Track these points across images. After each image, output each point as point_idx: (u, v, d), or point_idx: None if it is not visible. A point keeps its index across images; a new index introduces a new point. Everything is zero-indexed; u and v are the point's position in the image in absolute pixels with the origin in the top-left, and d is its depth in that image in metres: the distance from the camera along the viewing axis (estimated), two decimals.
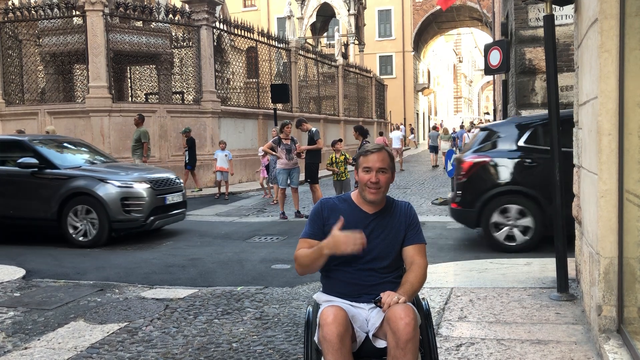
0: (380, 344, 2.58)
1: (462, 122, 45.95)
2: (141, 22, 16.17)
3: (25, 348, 4.17)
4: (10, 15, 15.50)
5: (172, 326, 4.59)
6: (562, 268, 4.77)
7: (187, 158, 14.45)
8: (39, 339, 4.34)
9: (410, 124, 43.37)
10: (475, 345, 3.78)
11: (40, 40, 16.08)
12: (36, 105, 15.46)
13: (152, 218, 8.59)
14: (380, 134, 23.99)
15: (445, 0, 13.67)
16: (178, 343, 4.20)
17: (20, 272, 6.54)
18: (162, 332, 4.44)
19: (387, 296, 2.53)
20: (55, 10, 15.26)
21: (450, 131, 27.62)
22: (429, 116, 54.07)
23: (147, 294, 5.56)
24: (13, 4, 15.71)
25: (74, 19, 15.60)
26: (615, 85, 3.28)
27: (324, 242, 2.62)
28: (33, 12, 15.44)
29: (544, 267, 5.77)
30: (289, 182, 10.67)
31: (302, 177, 11.24)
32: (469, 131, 25.84)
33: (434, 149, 23.82)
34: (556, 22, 5.66)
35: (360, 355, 2.61)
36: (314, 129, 11.01)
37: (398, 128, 30.18)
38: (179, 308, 5.07)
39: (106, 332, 4.46)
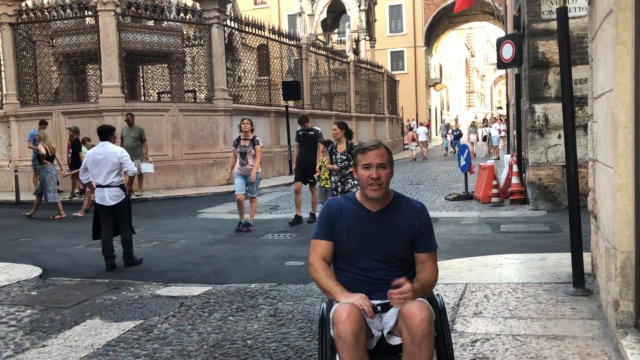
0: (395, 341, 2.58)
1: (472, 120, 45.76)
2: (153, 21, 16.24)
3: (43, 346, 4.22)
4: (24, 16, 15.63)
5: (187, 323, 4.62)
6: (577, 263, 4.73)
7: (70, 160, 13.09)
8: (56, 337, 4.39)
9: (409, 119, 39.80)
10: (490, 341, 3.76)
11: (54, 40, 16.21)
12: (50, 105, 15.59)
13: None
14: (410, 128, 28.09)
15: (462, 3, 13.74)
16: (193, 340, 4.23)
17: (37, 271, 6.61)
18: (177, 330, 4.47)
19: (397, 293, 2.53)
20: (68, 10, 15.37)
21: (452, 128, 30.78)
22: (441, 111, 53.78)
23: (162, 292, 5.60)
24: (27, 5, 15.85)
25: (86, 19, 15.70)
26: (631, 78, 3.24)
27: (342, 296, 2.60)
28: (46, 13, 15.56)
29: (560, 262, 5.72)
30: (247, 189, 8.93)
31: (293, 178, 10.12)
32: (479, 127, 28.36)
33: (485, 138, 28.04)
34: (569, 15, 5.59)
35: (376, 353, 2.60)
36: (319, 129, 9.95)
37: (423, 124, 31.97)
38: (194, 305, 5.10)
39: (122, 330, 4.50)
